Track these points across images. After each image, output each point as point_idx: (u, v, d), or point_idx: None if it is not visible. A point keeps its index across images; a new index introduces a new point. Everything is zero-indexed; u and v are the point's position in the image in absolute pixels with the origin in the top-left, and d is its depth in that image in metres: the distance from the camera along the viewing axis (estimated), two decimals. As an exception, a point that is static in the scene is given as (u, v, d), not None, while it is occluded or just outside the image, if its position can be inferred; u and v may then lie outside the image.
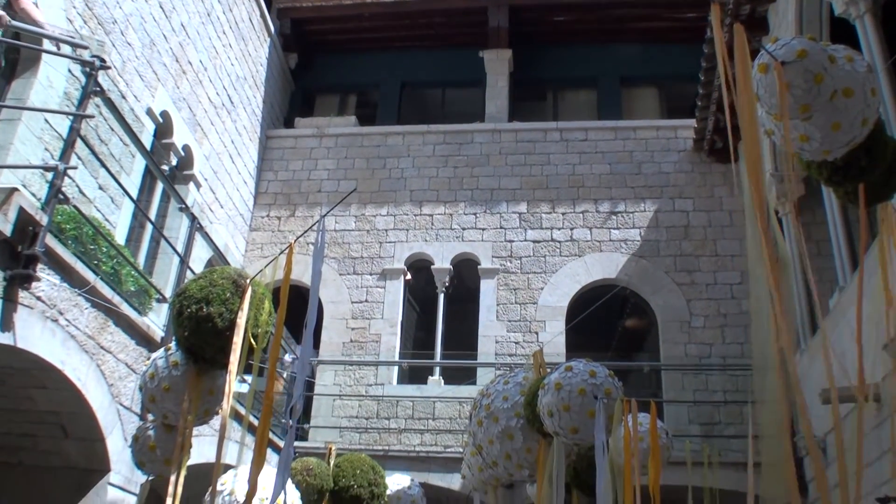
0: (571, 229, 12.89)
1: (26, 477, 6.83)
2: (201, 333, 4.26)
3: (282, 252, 4.11)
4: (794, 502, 2.53)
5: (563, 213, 13.05)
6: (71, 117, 6.09)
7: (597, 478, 4.25)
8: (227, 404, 4.08)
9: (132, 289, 7.40)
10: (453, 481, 10.26)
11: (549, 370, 4.81)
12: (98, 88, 6.06)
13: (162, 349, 4.85)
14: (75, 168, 6.55)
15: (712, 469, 8.48)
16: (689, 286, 12.25)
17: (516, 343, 12.08)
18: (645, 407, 4.63)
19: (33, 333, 5.44)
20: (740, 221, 12.30)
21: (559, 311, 12.21)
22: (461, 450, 8.75)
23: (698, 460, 8.50)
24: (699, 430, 10.98)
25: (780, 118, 3.00)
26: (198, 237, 7.92)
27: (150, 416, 5.18)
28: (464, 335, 12.68)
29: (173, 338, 4.74)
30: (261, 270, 4.50)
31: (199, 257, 10.12)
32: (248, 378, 8.16)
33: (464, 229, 13.16)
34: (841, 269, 8.46)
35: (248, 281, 4.32)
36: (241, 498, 5.53)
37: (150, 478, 5.29)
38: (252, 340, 4.21)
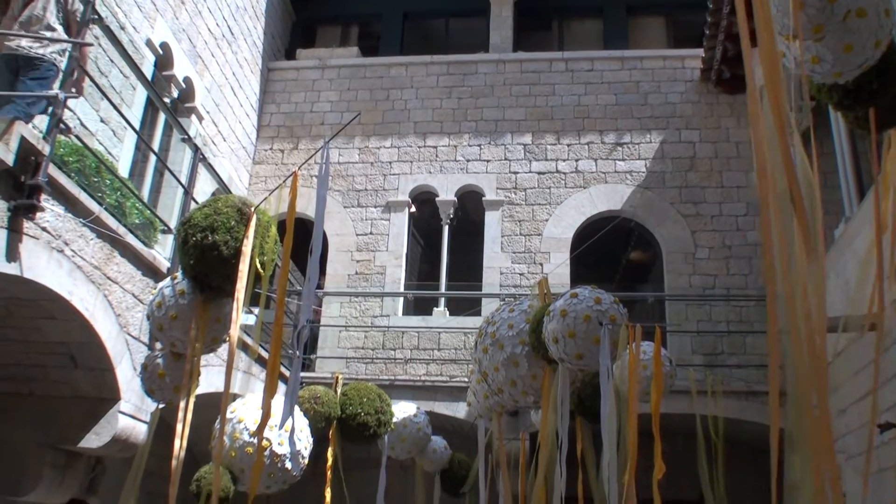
0: (576, 160, 12.81)
1: (39, 406, 6.92)
2: (207, 262, 4.25)
3: (286, 179, 4.09)
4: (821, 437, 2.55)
5: (568, 145, 12.95)
6: (70, 47, 6.01)
7: (601, 404, 4.29)
8: (234, 332, 4.10)
9: (137, 221, 7.39)
10: (458, 410, 10.38)
11: (553, 298, 4.83)
12: (96, 16, 5.97)
13: (168, 278, 4.86)
14: (76, 97, 6.49)
15: (715, 398, 8.58)
16: (694, 217, 12.22)
17: (521, 275, 12.11)
18: (650, 335, 4.65)
19: (39, 264, 5.46)
20: (747, 153, 12.20)
21: (564, 243, 12.21)
22: (466, 379, 8.85)
23: (702, 389, 8.60)
24: (702, 360, 11.07)
25: (792, 39, 2.94)
26: (201, 169, 7.89)
27: (158, 345, 5.22)
28: (468, 267, 12.73)
29: (179, 267, 4.75)
30: (265, 198, 4.49)
31: (204, 191, 10.09)
32: (255, 310, 8.23)
33: (468, 161, 13.08)
34: (847, 200, 8.43)
35: (252, 209, 4.31)
36: (251, 425, 5.63)
37: (161, 406, 5.36)
38: (259, 268, 4.21)
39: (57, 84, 5.93)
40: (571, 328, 4.34)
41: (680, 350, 11.09)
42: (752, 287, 11.60)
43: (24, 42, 5.91)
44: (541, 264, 12.06)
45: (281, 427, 4.06)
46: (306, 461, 5.90)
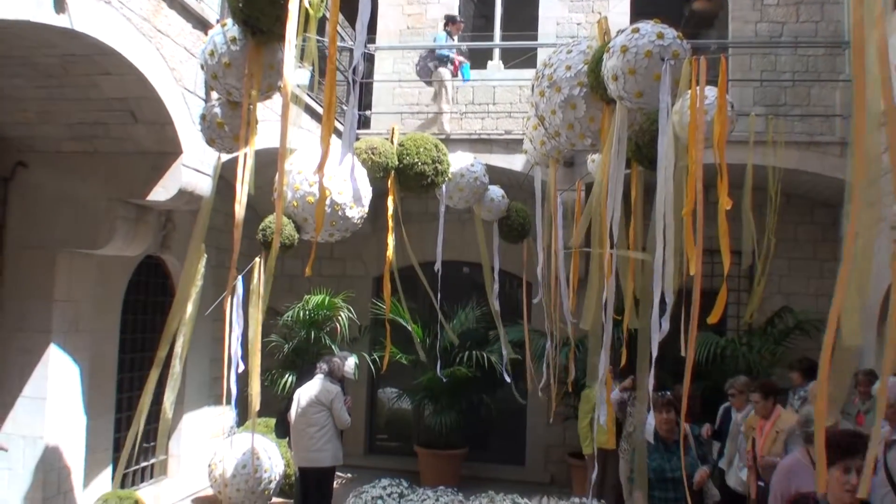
0: None
1: (105, 163, 7.13)
2: (255, 4, 4.14)
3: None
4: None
5: None
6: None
7: (658, 142, 4.22)
8: (287, 69, 4.04)
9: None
10: (515, 162, 10.41)
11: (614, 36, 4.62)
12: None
13: (218, 26, 4.78)
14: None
15: (776, 147, 8.42)
16: (765, -41, 11.45)
17: (578, 24, 11.64)
18: (712, 82, 4.43)
19: (88, 15, 5.40)
20: None
21: (624, -11, 11.62)
22: (522, 132, 8.78)
23: (761, 140, 8.43)
24: (764, 111, 10.76)
25: None
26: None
27: (214, 95, 5.23)
28: (523, 21, 12.24)
29: (229, 14, 4.64)
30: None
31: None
32: (308, 66, 8.12)
33: None
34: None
35: (297, -55, 4.11)
36: (310, 175, 5.71)
37: (223, 157, 5.44)
38: (308, 7, 4.09)
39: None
40: (632, 65, 4.18)
41: (741, 101, 10.77)
42: (822, 35, 11.03)
43: None
44: (599, 13, 11.52)
45: (340, 163, 4.05)
46: (366, 210, 6.02)
